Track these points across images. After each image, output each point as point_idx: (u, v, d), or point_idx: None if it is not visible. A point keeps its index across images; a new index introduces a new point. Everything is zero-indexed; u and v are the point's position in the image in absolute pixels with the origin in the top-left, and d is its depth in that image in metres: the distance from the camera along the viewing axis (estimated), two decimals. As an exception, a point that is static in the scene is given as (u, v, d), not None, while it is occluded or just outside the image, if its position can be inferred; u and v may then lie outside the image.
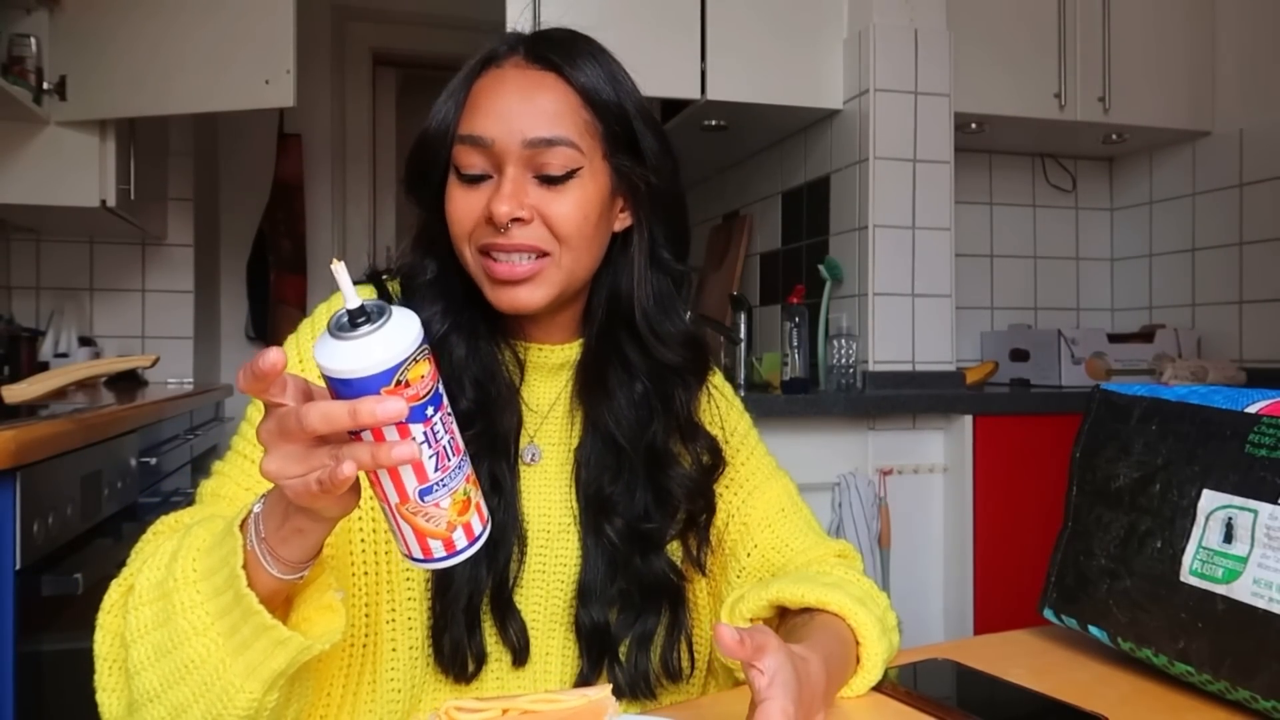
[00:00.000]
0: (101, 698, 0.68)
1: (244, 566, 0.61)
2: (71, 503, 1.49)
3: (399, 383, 0.55)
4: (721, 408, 0.95)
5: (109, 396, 2.21)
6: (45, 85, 2.35)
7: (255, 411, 0.83)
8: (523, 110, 0.80)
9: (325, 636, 0.64)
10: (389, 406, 0.53)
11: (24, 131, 2.39)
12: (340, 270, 0.57)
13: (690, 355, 0.89)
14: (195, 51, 2.34)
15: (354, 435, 0.56)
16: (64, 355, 2.76)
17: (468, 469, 0.61)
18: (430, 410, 0.57)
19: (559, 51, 0.84)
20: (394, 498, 0.58)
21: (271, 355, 0.55)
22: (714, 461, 0.90)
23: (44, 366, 2.62)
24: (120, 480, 1.77)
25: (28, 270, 2.99)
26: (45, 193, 2.43)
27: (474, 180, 0.82)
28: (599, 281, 0.89)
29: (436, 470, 0.58)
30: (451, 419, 0.59)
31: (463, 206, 0.82)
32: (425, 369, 0.57)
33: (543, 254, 0.81)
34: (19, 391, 2.01)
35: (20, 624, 1.29)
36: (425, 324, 0.82)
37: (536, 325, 0.89)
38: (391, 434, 0.56)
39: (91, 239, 3.04)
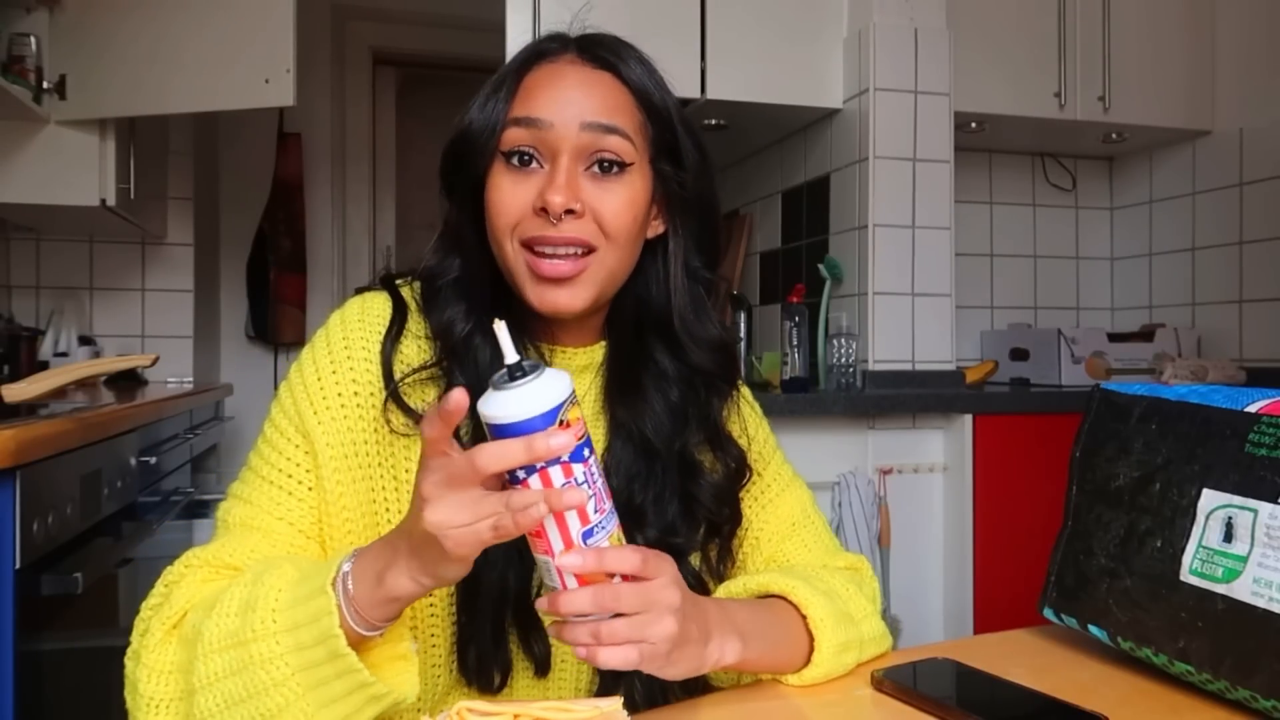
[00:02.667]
0: None
1: (340, 626, 0.63)
2: (71, 502, 1.49)
3: (561, 422, 0.59)
4: (746, 414, 0.95)
5: (109, 396, 2.20)
6: (45, 84, 2.35)
7: (273, 429, 0.82)
8: (582, 98, 0.80)
9: (409, 689, 0.66)
10: (559, 439, 0.58)
11: (24, 131, 2.39)
12: (501, 328, 0.62)
13: (723, 360, 0.89)
14: (195, 51, 2.33)
15: (518, 484, 0.60)
16: (64, 354, 2.76)
17: (616, 516, 0.64)
18: (586, 451, 0.61)
19: (613, 52, 0.84)
20: (559, 546, 0.61)
21: (456, 395, 0.59)
22: (741, 470, 0.90)
23: (44, 366, 2.61)
24: (120, 479, 1.77)
25: (28, 269, 2.99)
26: (45, 192, 2.43)
27: (523, 167, 0.80)
28: (624, 288, 0.88)
29: (596, 511, 0.61)
30: (599, 464, 0.62)
31: (509, 196, 0.79)
32: (578, 412, 0.61)
33: (589, 250, 0.79)
34: (19, 391, 2.00)
35: (20, 623, 1.29)
36: (449, 324, 0.82)
37: (563, 328, 0.87)
38: (558, 478, 0.60)
39: (91, 238, 3.04)
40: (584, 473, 0.60)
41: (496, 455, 0.58)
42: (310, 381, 0.81)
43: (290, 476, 0.80)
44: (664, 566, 0.65)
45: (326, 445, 0.79)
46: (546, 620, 0.83)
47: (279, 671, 0.64)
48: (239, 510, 0.80)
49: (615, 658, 0.62)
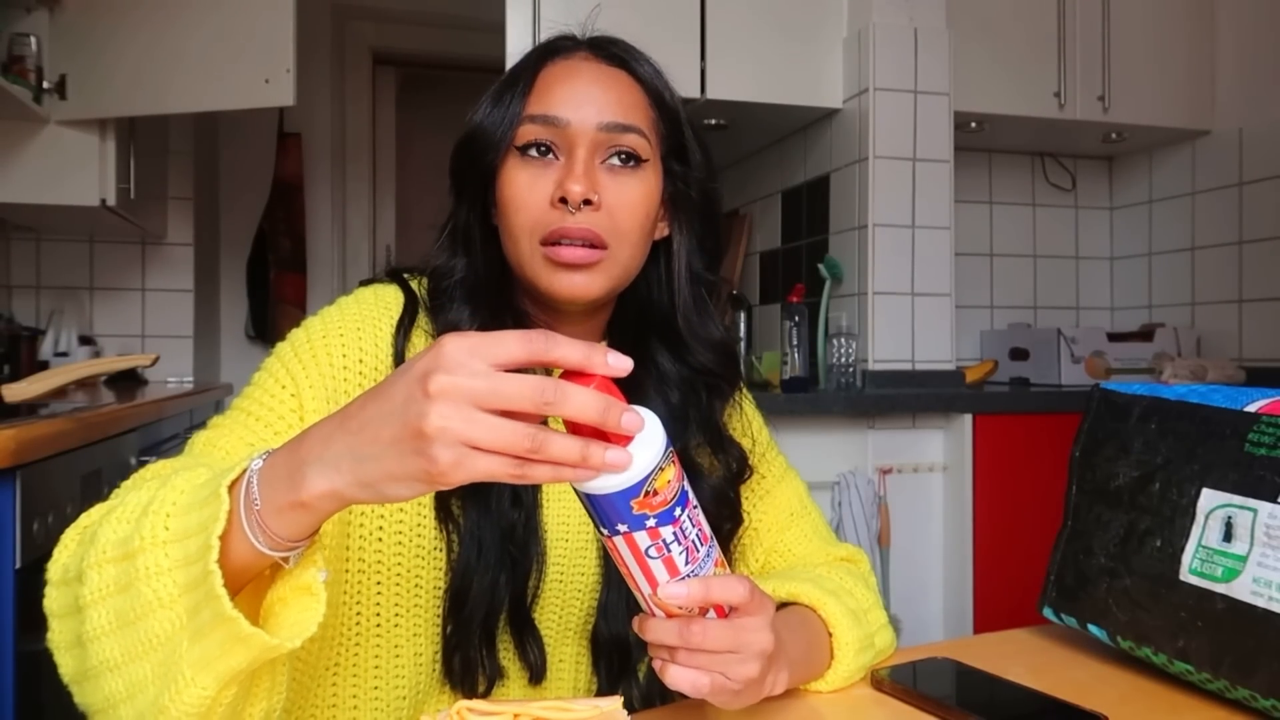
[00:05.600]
0: (59, 658, 0.61)
1: (222, 536, 0.52)
2: (72, 502, 1.49)
3: (647, 493, 0.55)
4: (749, 413, 0.95)
5: (109, 395, 2.20)
6: (45, 84, 2.35)
7: (263, 374, 0.80)
8: (599, 96, 0.81)
9: (296, 630, 0.54)
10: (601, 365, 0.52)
11: (24, 130, 2.39)
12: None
13: (725, 360, 0.89)
14: (195, 50, 2.34)
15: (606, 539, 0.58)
16: (64, 354, 2.76)
17: (716, 554, 0.62)
18: (678, 511, 0.58)
19: (625, 51, 0.85)
20: (646, 588, 0.60)
21: (631, 419, 0.53)
22: (742, 470, 0.89)
23: (44, 365, 2.61)
24: (120, 479, 1.75)
25: (28, 269, 2.99)
26: (45, 192, 2.43)
27: (541, 157, 0.80)
28: (627, 291, 0.88)
29: (687, 564, 0.59)
30: (698, 510, 0.60)
31: (526, 190, 0.79)
32: (671, 473, 0.57)
33: (602, 246, 0.79)
34: (19, 390, 2.01)
35: (20, 623, 1.29)
36: (453, 326, 0.81)
37: (566, 331, 0.86)
38: (644, 542, 0.57)
39: (91, 238, 3.03)
40: (672, 533, 0.58)
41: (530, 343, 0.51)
42: (315, 337, 0.80)
43: (270, 410, 0.76)
44: (766, 606, 0.64)
45: (320, 399, 0.77)
46: (556, 624, 0.84)
47: (165, 590, 0.53)
48: (207, 433, 0.76)
49: (684, 680, 0.61)
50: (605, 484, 0.55)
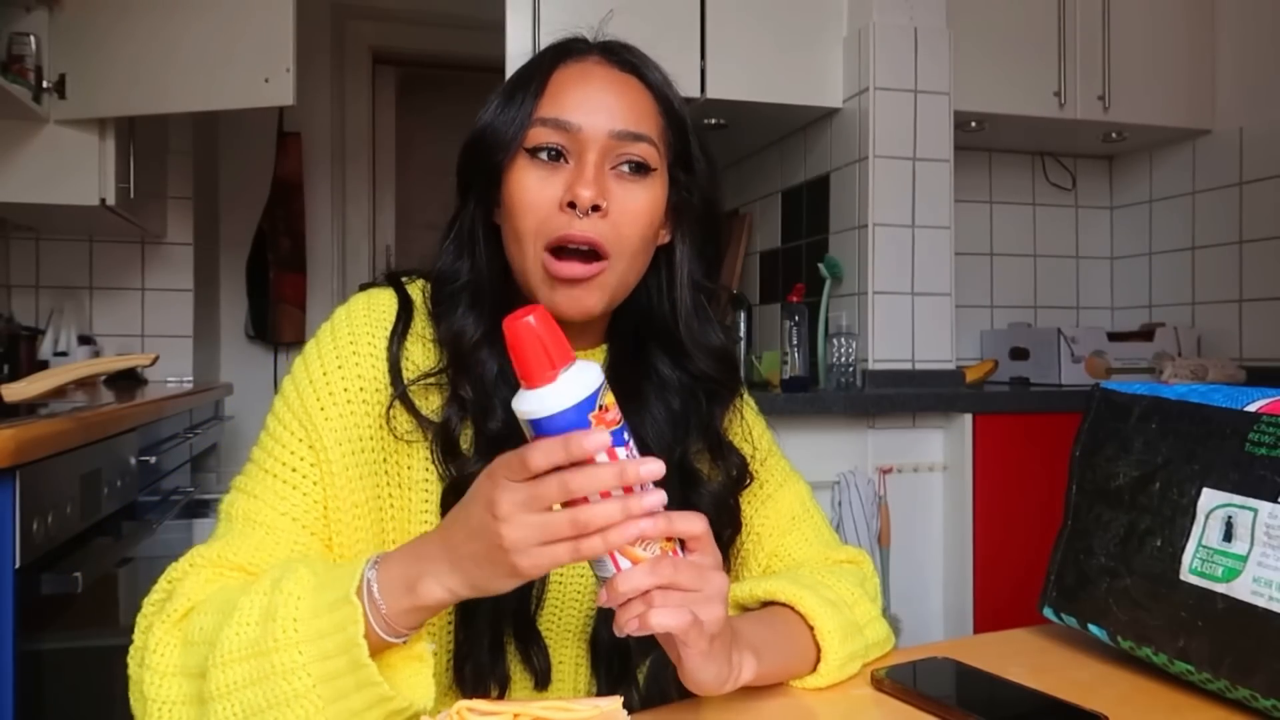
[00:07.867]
0: None
1: (365, 636, 0.62)
2: (71, 501, 1.49)
3: (600, 408, 0.60)
4: (749, 420, 0.95)
5: (108, 395, 2.20)
6: (45, 84, 2.35)
7: (276, 423, 0.81)
8: (612, 103, 0.80)
9: (420, 694, 0.66)
10: (596, 438, 0.59)
11: (23, 130, 2.39)
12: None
13: (726, 367, 0.89)
14: (195, 50, 2.34)
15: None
16: (63, 354, 2.76)
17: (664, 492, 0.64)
18: (626, 435, 0.62)
19: (636, 57, 0.85)
20: None
21: (656, 466, 0.60)
22: (742, 477, 0.89)
23: (43, 365, 2.61)
24: (120, 479, 1.77)
25: (27, 269, 2.99)
26: (45, 191, 2.43)
27: (551, 161, 0.79)
28: (627, 296, 0.88)
29: (642, 490, 0.61)
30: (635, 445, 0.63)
31: (535, 193, 0.79)
32: (612, 396, 0.62)
33: (603, 256, 0.79)
34: (18, 390, 2.01)
35: (20, 623, 1.29)
36: (459, 333, 0.82)
37: (566, 330, 0.87)
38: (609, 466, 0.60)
39: (91, 237, 3.03)
40: (626, 455, 0.61)
41: (542, 453, 0.59)
42: (315, 376, 0.80)
43: (294, 470, 0.78)
44: (716, 550, 0.67)
45: (334, 443, 0.78)
46: (556, 627, 0.84)
47: (301, 683, 0.63)
48: (242, 504, 0.78)
49: (668, 617, 0.61)
50: (561, 402, 0.59)
